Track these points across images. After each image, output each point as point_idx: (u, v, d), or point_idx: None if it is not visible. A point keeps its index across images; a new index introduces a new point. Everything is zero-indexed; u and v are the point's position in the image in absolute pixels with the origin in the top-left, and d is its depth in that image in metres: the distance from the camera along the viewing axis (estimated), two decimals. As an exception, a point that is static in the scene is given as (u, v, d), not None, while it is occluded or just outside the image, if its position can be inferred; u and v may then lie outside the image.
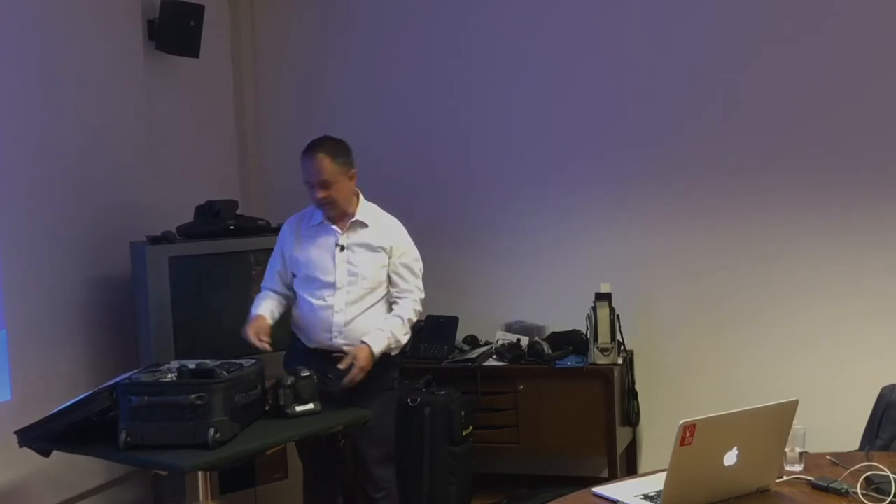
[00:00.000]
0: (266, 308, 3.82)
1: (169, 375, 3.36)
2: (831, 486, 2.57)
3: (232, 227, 4.41)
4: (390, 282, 3.86)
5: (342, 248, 3.80)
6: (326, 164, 3.72)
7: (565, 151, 5.04)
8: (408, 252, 3.89)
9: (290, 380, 3.53)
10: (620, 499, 2.53)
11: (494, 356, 4.80)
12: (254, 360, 3.55)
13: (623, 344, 4.68)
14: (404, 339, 3.85)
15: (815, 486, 2.60)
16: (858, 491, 2.51)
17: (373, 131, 5.27)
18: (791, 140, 4.72)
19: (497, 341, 4.86)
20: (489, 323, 5.02)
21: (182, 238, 4.31)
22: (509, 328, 4.98)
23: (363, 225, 3.83)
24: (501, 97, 5.09)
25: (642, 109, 4.89)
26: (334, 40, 5.30)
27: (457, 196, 5.19)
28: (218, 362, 3.44)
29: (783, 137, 4.73)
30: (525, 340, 4.80)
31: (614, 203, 4.97)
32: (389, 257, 3.84)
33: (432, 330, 4.87)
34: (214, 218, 4.39)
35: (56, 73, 4.12)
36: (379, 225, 3.86)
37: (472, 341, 4.95)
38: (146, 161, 4.59)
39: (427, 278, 5.16)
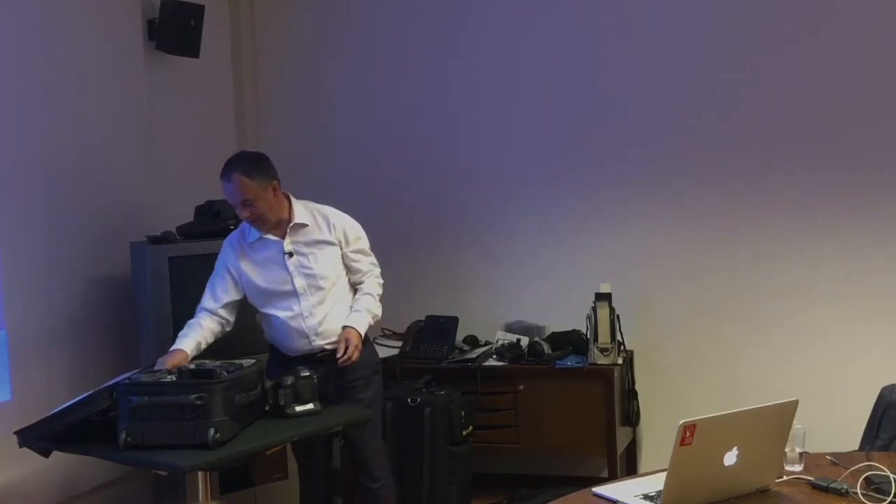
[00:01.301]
0: (190, 343, 3.68)
1: (169, 375, 3.35)
2: (831, 486, 2.56)
3: (232, 227, 4.40)
4: (348, 269, 3.89)
5: (290, 254, 3.78)
6: (244, 184, 3.66)
7: (565, 151, 5.04)
8: (356, 237, 3.88)
9: (290, 380, 3.52)
10: (620, 499, 2.53)
11: (494, 356, 4.79)
12: (254, 360, 3.55)
13: (623, 344, 4.68)
14: (379, 311, 3.93)
15: (815, 486, 2.60)
16: (858, 491, 2.51)
17: (373, 131, 5.28)
18: (791, 140, 4.72)
19: (497, 341, 4.86)
20: (489, 323, 5.02)
21: (182, 238, 4.31)
22: (509, 328, 4.98)
23: (302, 226, 3.81)
24: (501, 97, 5.09)
25: (642, 109, 4.89)
26: (334, 40, 5.31)
27: (457, 196, 5.19)
28: (218, 362, 3.44)
29: (783, 137, 4.73)
30: (525, 340, 4.80)
31: (614, 203, 4.97)
32: (342, 249, 3.85)
33: (432, 330, 4.87)
34: (214, 218, 4.39)
35: (56, 73, 4.13)
36: (318, 221, 3.84)
37: (472, 341, 4.95)
38: (146, 161, 4.59)
39: (427, 278, 5.20)
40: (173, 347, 3.67)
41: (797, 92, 4.69)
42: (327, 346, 3.79)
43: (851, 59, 4.61)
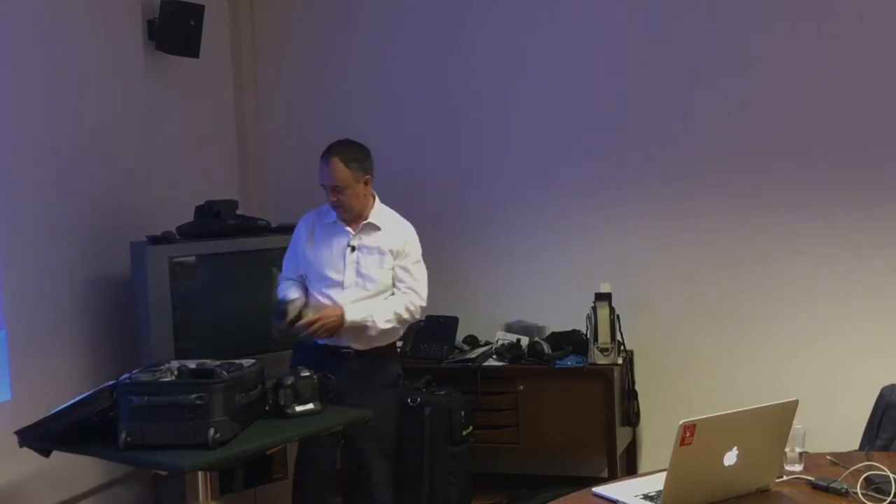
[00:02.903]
0: (296, 291, 3.89)
1: (169, 375, 3.35)
2: (831, 486, 2.57)
3: (232, 227, 4.40)
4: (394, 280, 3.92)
5: (353, 248, 3.85)
6: (340, 170, 3.80)
7: (565, 151, 5.04)
8: (411, 255, 3.93)
9: (290, 380, 3.52)
10: (620, 499, 2.53)
11: (494, 356, 4.80)
12: (254, 360, 3.55)
13: (623, 344, 4.68)
14: (384, 325, 3.84)
15: (815, 486, 2.60)
16: (858, 491, 2.51)
17: (373, 131, 5.24)
18: (791, 140, 4.72)
19: (497, 341, 4.86)
20: (489, 323, 5.02)
21: (182, 238, 4.31)
22: (509, 328, 4.98)
23: (375, 228, 3.88)
24: (502, 97, 5.09)
25: (642, 109, 4.90)
26: (334, 40, 5.31)
27: (457, 196, 5.19)
28: (218, 362, 3.44)
29: (783, 137, 4.73)
30: (525, 340, 4.80)
31: (614, 203, 4.97)
32: (396, 260, 3.89)
33: (432, 330, 4.86)
34: (214, 218, 4.39)
35: (56, 73, 4.12)
36: (390, 229, 3.91)
37: (472, 341, 4.95)
38: (146, 161, 4.59)
39: (427, 278, 5.18)
40: (291, 297, 3.83)
41: (797, 92, 4.69)
42: (353, 346, 3.84)
43: (852, 59, 4.61)
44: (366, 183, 3.87)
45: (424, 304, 3.95)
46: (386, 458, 3.96)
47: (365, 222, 3.88)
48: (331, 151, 3.83)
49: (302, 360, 3.76)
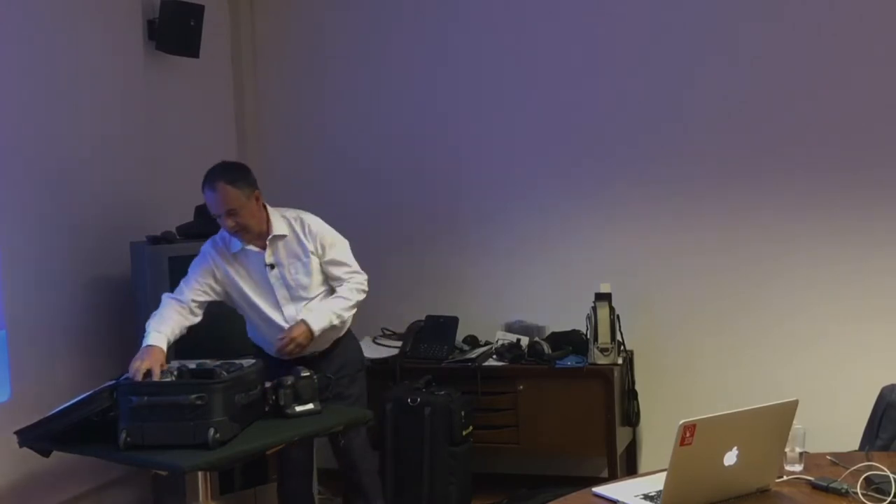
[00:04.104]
0: (164, 335, 3.55)
1: (169, 375, 3.35)
2: (831, 486, 2.56)
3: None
4: (327, 277, 3.87)
5: (272, 266, 3.78)
6: (230, 193, 3.65)
7: (565, 151, 5.03)
8: (330, 244, 3.84)
9: (290, 380, 3.53)
10: (620, 499, 2.53)
11: (494, 356, 4.79)
12: (254, 361, 3.55)
13: (623, 344, 4.68)
14: (348, 314, 3.84)
15: (815, 486, 2.60)
16: (858, 491, 2.51)
17: (373, 131, 5.28)
18: (791, 140, 4.72)
19: (497, 341, 4.85)
20: (489, 323, 5.02)
21: (182, 238, 4.31)
22: (509, 328, 4.98)
23: (281, 237, 3.80)
24: (502, 97, 5.09)
25: (642, 109, 4.89)
26: (334, 40, 5.30)
27: (457, 196, 5.19)
28: (218, 362, 3.44)
29: (783, 138, 4.73)
30: (525, 340, 4.80)
31: (614, 203, 4.97)
32: (320, 259, 3.84)
33: (432, 330, 4.86)
34: (214, 218, 4.38)
35: (56, 73, 4.12)
36: (296, 230, 3.83)
37: (472, 341, 4.95)
38: (146, 161, 4.59)
39: (427, 278, 5.19)
40: (148, 343, 3.51)
41: (797, 92, 4.69)
42: (315, 349, 3.82)
43: (852, 59, 4.61)
44: (257, 198, 3.72)
45: (365, 275, 3.90)
46: (369, 447, 4.03)
47: (270, 237, 3.77)
48: (213, 177, 3.67)
49: (272, 372, 3.66)
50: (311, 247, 3.81)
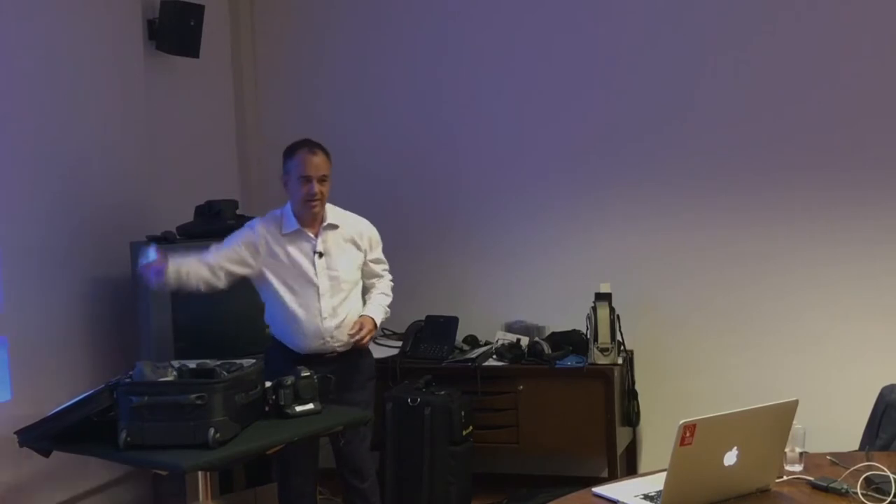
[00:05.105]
0: (185, 266, 3.66)
1: (169, 375, 3.35)
2: (831, 486, 2.57)
3: (232, 225, 4.40)
4: (364, 273, 3.99)
5: (320, 254, 3.83)
6: (326, 161, 3.81)
7: (565, 151, 5.04)
8: (378, 242, 4.03)
9: (290, 380, 3.52)
10: (620, 499, 2.53)
11: (494, 356, 4.79)
12: (254, 361, 3.55)
13: (623, 344, 4.68)
14: (388, 310, 4.05)
15: (815, 486, 2.60)
16: (858, 491, 2.51)
17: (372, 130, 5.28)
18: (791, 140, 4.72)
19: (497, 341, 4.86)
20: (489, 323, 5.02)
21: (182, 238, 4.31)
22: (509, 328, 4.98)
23: (334, 227, 3.88)
24: (502, 96, 5.10)
25: (642, 109, 4.90)
26: (334, 40, 5.31)
27: (457, 196, 5.19)
28: (218, 362, 3.44)
29: (783, 138, 4.73)
30: (525, 340, 4.80)
31: (614, 203, 4.97)
32: (366, 256, 3.95)
33: (432, 330, 4.87)
34: (214, 218, 4.39)
35: (56, 73, 4.12)
36: (347, 225, 3.92)
37: (472, 341, 4.95)
38: (146, 161, 4.59)
39: (427, 278, 5.20)
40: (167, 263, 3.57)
41: (798, 92, 4.69)
42: (339, 348, 3.85)
43: (853, 60, 4.61)
44: None
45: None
46: (368, 438, 4.02)
47: (324, 224, 3.85)
48: (312, 143, 3.82)
49: (280, 368, 3.68)
50: (363, 244, 3.93)
